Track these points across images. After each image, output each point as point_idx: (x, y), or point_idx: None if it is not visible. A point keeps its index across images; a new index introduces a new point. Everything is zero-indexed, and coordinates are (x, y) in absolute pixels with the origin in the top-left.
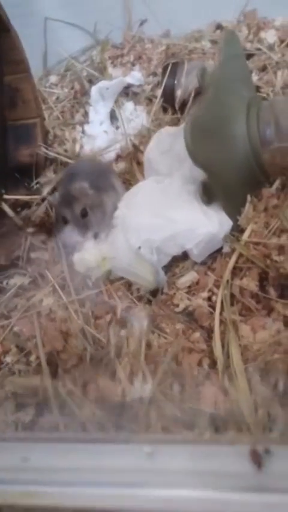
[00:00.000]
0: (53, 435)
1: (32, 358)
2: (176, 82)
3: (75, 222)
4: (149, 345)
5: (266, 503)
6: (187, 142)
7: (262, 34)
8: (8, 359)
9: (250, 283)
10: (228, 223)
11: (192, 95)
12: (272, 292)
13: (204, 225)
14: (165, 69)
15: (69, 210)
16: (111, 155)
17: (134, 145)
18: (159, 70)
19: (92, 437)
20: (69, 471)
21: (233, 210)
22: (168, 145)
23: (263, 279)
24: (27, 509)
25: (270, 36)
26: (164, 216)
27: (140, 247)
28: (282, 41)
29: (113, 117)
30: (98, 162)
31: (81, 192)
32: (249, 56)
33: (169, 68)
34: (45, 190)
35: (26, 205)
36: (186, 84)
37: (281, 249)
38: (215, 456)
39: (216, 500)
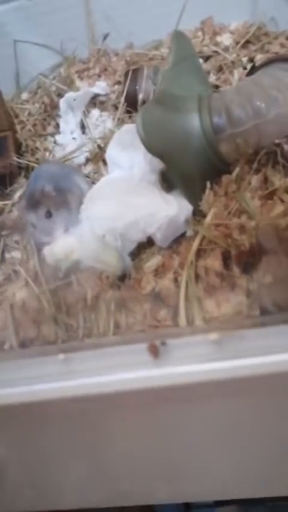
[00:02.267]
0: None
1: (6, 346)
2: (137, 87)
3: (42, 224)
4: (117, 325)
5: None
6: (139, 131)
7: (218, 38)
8: None
9: (214, 262)
10: (188, 207)
11: (151, 96)
12: (236, 270)
13: (163, 209)
14: (126, 75)
15: (34, 213)
16: (81, 159)
17: (99, 146)
18: (123, 78)
19: None
20: None
21: (194, 197)
22: (128, 141)
23: (226, 258)
24: None
25: (226, 39)
26: (126, 203)
27: (104, 236)
28: (237, 43)
29: (83, 126)
30: (62, 164)
31: (45, 194)
32: (207, 59)
33: (130, 74)
34: (17, 195)
35: (2, 211)
36: (147, 87)
37: (241, 228)
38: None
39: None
